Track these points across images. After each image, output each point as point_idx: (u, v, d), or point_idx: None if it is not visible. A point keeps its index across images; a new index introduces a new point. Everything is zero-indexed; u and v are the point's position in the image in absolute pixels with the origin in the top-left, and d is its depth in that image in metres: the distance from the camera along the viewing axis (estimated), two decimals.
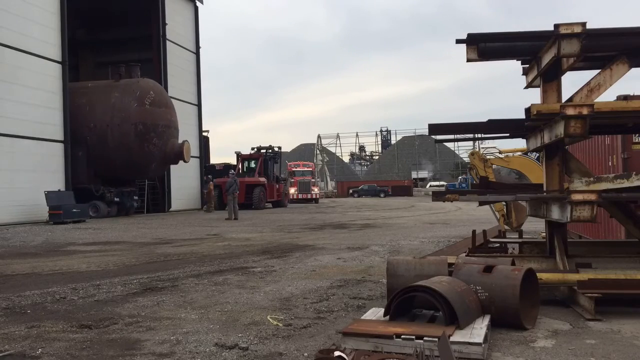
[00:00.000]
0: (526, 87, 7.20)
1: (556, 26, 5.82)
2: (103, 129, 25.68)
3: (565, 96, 6.39)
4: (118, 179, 27.51)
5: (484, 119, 7.11)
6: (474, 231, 8.11)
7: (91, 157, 25.79)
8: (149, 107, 25.96)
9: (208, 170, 37.67)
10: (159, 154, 26.79)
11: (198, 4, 36.50)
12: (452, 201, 6.79)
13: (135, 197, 29.11)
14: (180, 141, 28.29)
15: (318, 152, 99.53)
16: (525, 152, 14.61)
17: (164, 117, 26.70)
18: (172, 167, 30.32)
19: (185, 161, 28.76)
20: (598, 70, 6.26)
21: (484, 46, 6.38)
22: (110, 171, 26.50)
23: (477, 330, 4.30)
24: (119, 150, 25.59)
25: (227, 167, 38.54)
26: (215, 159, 62.27)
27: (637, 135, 9.53)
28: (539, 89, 7.03)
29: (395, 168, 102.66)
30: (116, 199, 26.82)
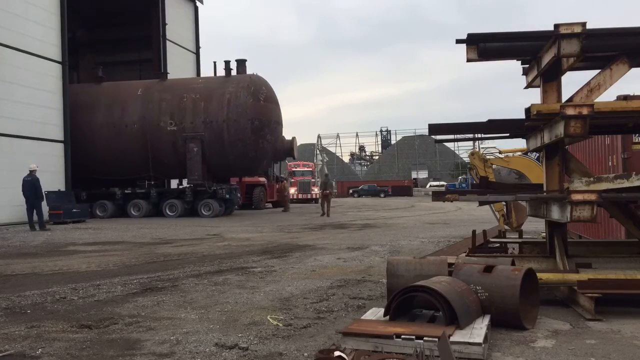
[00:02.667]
0: (526, 87, 7.20)
1: (556, 26, 5.82)
2: (219, 125, 24.87)
3: (565, 96, 6.39)
4: (222, 176, 26.88)
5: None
6: (474, 231, 8.11)
7: (206, 153, 24.98)
8: (263, 103, 25.22)
9: None
10: (271, 150, 26.17)
11: (198, 4, 36.50)
12: (452, 201, 6.79)
13: (239, 195, 28.20)
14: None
15: (318, 152, 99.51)
16: (525, 152, 14.61)
17: (274, 113, 25.99)
18: None
19: (294, 158, 28.44)
20: (598, 70, 6.26)
21: (484, 46, 6.38)
22: (223, 167, 25.78)
23: (477, 330, 4.30)
24: (235, 146, 24.84)
25: None
26: None
27: (637, 135, 9.52)
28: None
29: (395, 168, 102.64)
30: (227, 196, 25.79)
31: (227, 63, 26.48)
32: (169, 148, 25.32)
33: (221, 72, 26.99)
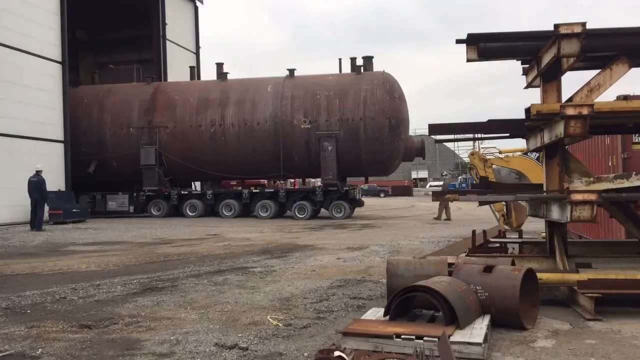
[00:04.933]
0: (526, 87, 7.20)
1: (556, 26, 5.82)
2: (355, 123, 23.74)
3: (565, 96, 6.39)
4: (353, 176, 26.15)
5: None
6: (474, 231, 8.11)
7: (339, 152, 23.85)
8: (398, 101, 24.17)
9: None
10: (403, 149, 25.15)
11: (198, 4, 36.49)
12: (452, 201, 6.79)
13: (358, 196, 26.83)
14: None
15: None
16: (525, 152, 14.62)
17: (406, 111, 25.08)
18: None
19: (423, 158, 27.63)
20: (598, 70, 6.26)
21: (484, 46, 6.38)
22: (355, 167, 24.77)
23: (477, 330, 4.30)
24: (370, 145, 23.65)
25: None
26: None
27: (637, 135, 9.52)
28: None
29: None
30: (357, 197, 24.85)
31: (353, 60, 25.42)
32: (301, 146, 24.26)
33: (346, 69, 25.63)
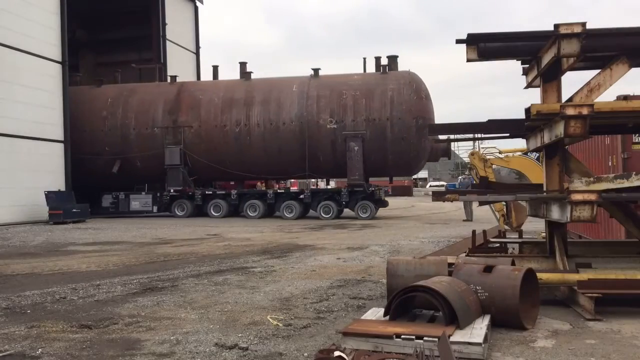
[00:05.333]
0: (526, 87, 7.20)
1: (556, 26, 5.82)
2: (382, 123, 23.46)
3: (565, 96, 6.39)
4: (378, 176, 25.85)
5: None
6: (474, 231, 8.11)
7: (365, 152, 23.54)
8: (425, 100, 23.96)
9: None
10: (429, 150, 24.90)
11: (198, 4, 36.50)
12: (452, 201, 6.79)
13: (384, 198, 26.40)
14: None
15: None
16: (525, 152, 14.62)
17: (432, 111, 24.49)
18: None
19: (449, 158, 27.56)
20: (598, 70, 6.26)
21: (484, 46, 6.38)
22: (381, 167, 24.51)
23: (477, 330, 4.30)
24: (397, 145, 23.40)
25: None
26: None
27: (637, 135, 9.52)
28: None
29: None
30: (383, 197, 24.64)
31: (377, 59, 25.24)
32: (327, 146, 24.08)
33: (370, 68, 25.38)
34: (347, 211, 24.24)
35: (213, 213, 24.51)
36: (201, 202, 24.80)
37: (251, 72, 26.04)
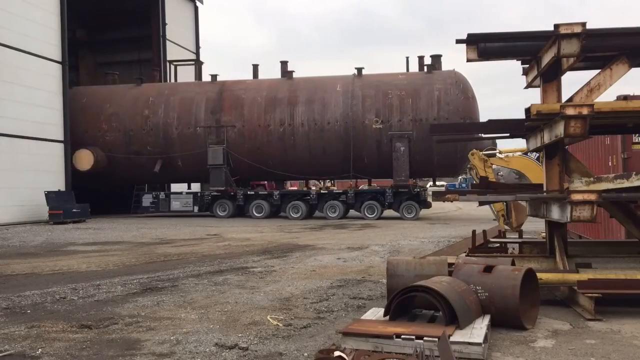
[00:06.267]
0: (526, 87, 7.20)
1: (556, 26, 5.82)
2: (429, 123, 22.57)
3: (565, 96, 6.39)
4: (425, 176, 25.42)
5: None
6: (474, 231, 8.11)
7: (411, 153, 23.29)
8: (471, 100, 23.74)
9: None
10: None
11: (198, 4, 36.51)
12: (452, 201, 6.79)
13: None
14: None
15: None
16: (525, 152, 14.62)
17: (478, 111, 24.14)
18: None
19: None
20: (598, 70, 6.26)
21: (484, 46, 6.38)
22: (427, 167, 24.28)
23: (477, 330, 4.30)
24: (444, 146, 22.44)
25: None
26: None
27: (637, 135, 9.52)
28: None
29: None
30: (427, 198, 24.03)
31: (421, 58, 25.05)
32: (372, 147, 23.91)
33: (413, 68, 25.31)
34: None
35: (255, 214, 24.21)
36: (243, 203, 24.53)
37: (293, 71, 25.76)
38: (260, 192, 25.39)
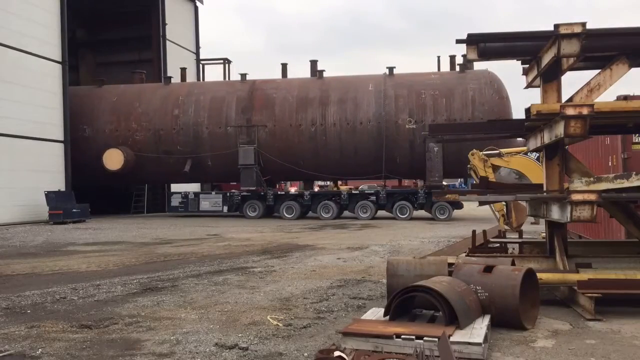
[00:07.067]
0: (526, 87, 7.20)
1: (556, 26, 5.82)
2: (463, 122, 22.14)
3: (565, 96, 6.39)
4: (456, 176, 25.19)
5: None
6: (474, 231, 8.11)
7: (445, 153, 22.68)
8: (505, 101, 23.51)
9: None
10: None
11: (198, 4, 36.50)
12: (452, 200, 6.79)
13: None
14: None
15: None
16: (525, 152, 14.62)
17: (511, 112, 23.74)
18: None
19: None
20: (598, 70, 6.26)
21: (484, 46, 6.38)
22: (459, 167, 23.38)
23: (477, 330, 4.30)
24: (479, 146, 23.05)
25: None
26: None
27: (637, 135, 9.52)
28: (534, 88, 7.04)
29: None
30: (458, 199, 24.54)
31: (452, 58, 24.86)
32: (404, 147, 23.71)
33: (445, 67, 25.08)
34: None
35: (285, 214, 23.94)
36: (272, 203, 24.30)
37: (324, 70, 25.53)
38: (290, 193, 25.21)
